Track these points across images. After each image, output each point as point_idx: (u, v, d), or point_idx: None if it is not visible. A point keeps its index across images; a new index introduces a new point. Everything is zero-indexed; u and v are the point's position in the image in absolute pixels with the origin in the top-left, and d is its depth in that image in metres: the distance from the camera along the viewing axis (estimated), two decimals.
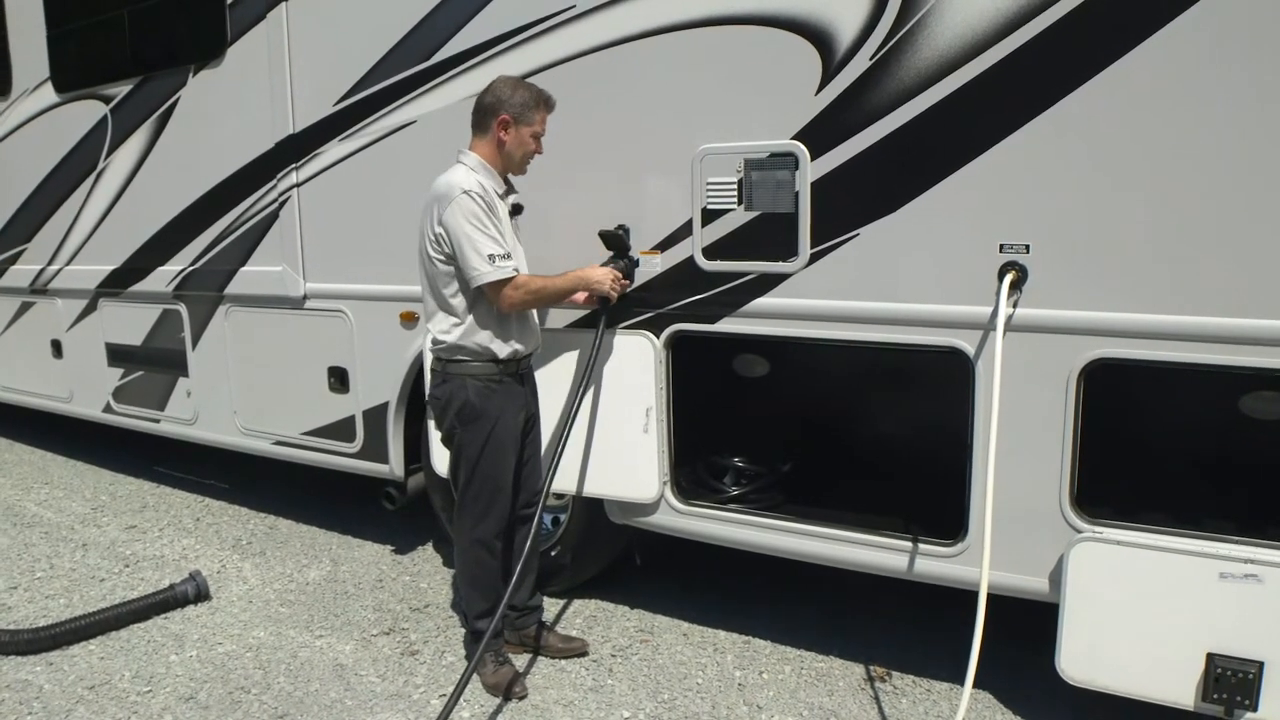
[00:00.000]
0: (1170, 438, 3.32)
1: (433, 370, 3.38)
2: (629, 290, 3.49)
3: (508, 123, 3.20)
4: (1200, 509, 2.94)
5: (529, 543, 3.38)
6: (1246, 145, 2.53)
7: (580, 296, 3.50)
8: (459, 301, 3.21)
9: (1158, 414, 3.29)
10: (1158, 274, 2.68)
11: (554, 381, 3.64)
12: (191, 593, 4.21)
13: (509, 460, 3.34)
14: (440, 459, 3.87)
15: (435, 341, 3.31)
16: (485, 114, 3.23)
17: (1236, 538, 2.70)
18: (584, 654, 3.63)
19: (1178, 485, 3.17)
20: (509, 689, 3.36)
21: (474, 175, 3.19)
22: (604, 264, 3.44)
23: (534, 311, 3.44)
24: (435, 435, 3.99)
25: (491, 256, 3.11)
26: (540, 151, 3.32)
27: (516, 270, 3.19)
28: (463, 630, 3.83)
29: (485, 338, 3.24)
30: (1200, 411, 3.26)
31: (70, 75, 5.52)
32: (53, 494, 5.97)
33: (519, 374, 3.38)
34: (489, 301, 3.19)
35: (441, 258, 3.18)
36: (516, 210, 3.38)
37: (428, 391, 3.54)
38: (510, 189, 3.36)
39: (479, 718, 3.26)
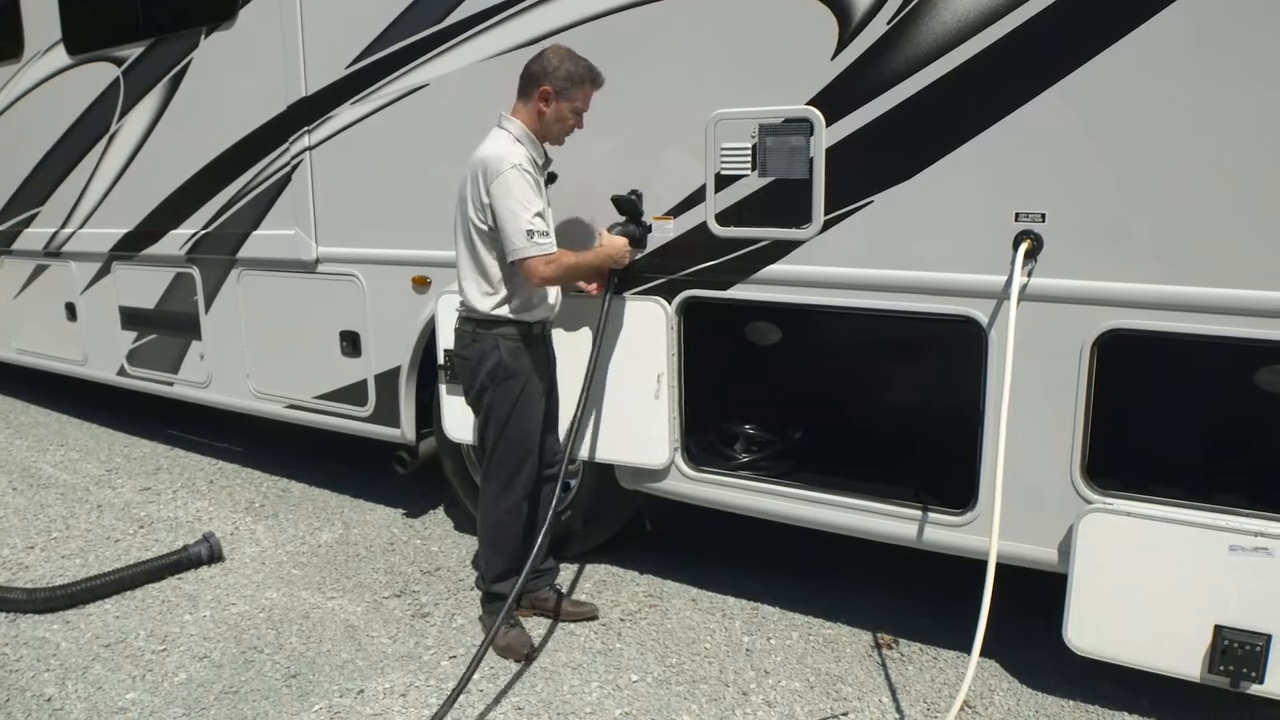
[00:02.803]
0: (1184, 411, 3.30)
1: (460, 331, 3.38)
2: (640, 257, 3.48)
3: (549, 94, 3.16)
4: (1212, 482, 2.92)
5: (550, 507, 3.38)
6: (1267, 114, 2.49)
7: (593, 287, 3.54)
8: (496, 270, 3.23)
9: (1172, 387, 3.26)
10: (1174, 245, 2.65)
11: (567, 347, 3.63)
12: (205, 554, 4.26)
13: (537, 421, 3.40)
14: (463, 424, 3.87)
15: (468, 306, 3.32)
16: (530, 81, 3.19)
17: (1247, 510, 2.69)
18: (594, 618, 3.66)
19: (1190, 458, 3.15)
20: (520, 652, 3.38)
21: (519, 147, 3.18)
22: (612, 227, 3.44)
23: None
24: (448, 400, 4.01)
25: (531, 233, 3.11)
26: (580, 127, 3.28)
27: (555, 248, 3.19)
28: (474, 592, 3.86)
29: (519, 305, 3.28)
30: (1215, 385, 3.23)
31: (82, 37, 5.49)
32: (68, 456, 6.02)
33: (545, 336, 3.43)
34: (523, 274, 3.19)
35: (485, 227, 3.18)
36: (551, 179, 3.39)
37: (452, 351, 3.54)
38: (547, 158, 3.34)
39: (490, 679, 3.29)
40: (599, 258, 3.36)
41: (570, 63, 3.17)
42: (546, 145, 3.30)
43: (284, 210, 4.60)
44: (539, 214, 3.14)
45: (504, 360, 3.28)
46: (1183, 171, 2.61)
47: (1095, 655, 2.89)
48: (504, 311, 3.26)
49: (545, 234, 3.16)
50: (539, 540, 3.28)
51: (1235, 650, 2.65)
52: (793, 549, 4.12)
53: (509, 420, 3.33)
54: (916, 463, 3.53)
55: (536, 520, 3.48)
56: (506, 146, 3.16)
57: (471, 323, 3.33)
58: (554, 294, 3.44)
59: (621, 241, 3.39)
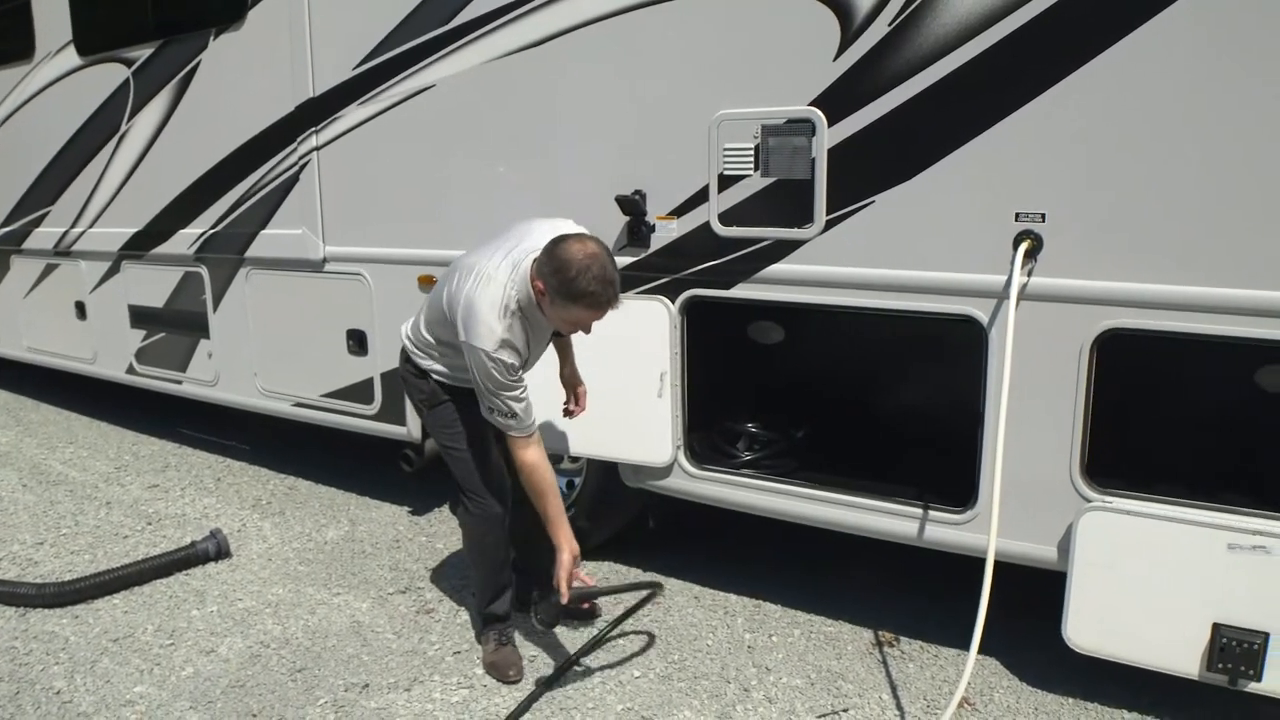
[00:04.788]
0: (1183, 410, 3.32)
1: (404, 352, 3.31)
2: (643, 256, 3.51)
3: (541, 291, 2.86)
4: (1212, 481, 2.94)
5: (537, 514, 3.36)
6: (1264, 113, 2.50)
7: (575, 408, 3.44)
8: (456, 348, 3.04)
9: (1171, 386, 3.28)
10: (1173, 244, 2.66)
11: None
12: (212, 550, 4.29)
13: (487, 439, 3.25)
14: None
15: (419, 350, 3.23)
16: (540, 257, 2.87)
17: (1245, 509, 2.71)
18: (596, 617, 3.67)
19: (1189, 457, 3.17)
20: (506, 672, 3.30)
21: (504, 321, 2.88)
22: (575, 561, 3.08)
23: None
24: None
25: (514, 416, 2.94)
26: (587, 332, 3.00)
27: (529, 430, 3.00)
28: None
29: (446, 360, 3.18)
30: (1215, 384, 3.25)
31: (93, 38, 5.54)
32: (77, 453, 6.07)
33: None
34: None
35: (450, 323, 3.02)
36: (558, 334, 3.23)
37: (397, 368, 3.46)
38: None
39: (489, 681, 3.32)
40: (555, 526, 3.05)
41: (560, 274, 2.77)
42: None
43: (292, 210, 4.64)
44: (515, 396, 2.93)
45: (434, 389, 3.19)
46: (1182, 171, 2.62)
47: (1094, 653, 2.91)
48: (453, 372, 3.17)
49: (513, 414, 2.95)
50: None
51: (1233, 648, 2.66)
52: (795, 547, 4.14)
53: (452, 444, 3.23)
54: (918, 461, 3.54)
55: (521, 537, 3.44)
56: (492, 323, 2.86)
57: (413, 359, 3.26)
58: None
59: (570, 567, 3.05)
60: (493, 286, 2.90)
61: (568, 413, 3.48)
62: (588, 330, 2.99)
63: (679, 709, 3.10)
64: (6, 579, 4.11)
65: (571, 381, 3.46)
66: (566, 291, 2.78)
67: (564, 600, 3.06)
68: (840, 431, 3.84)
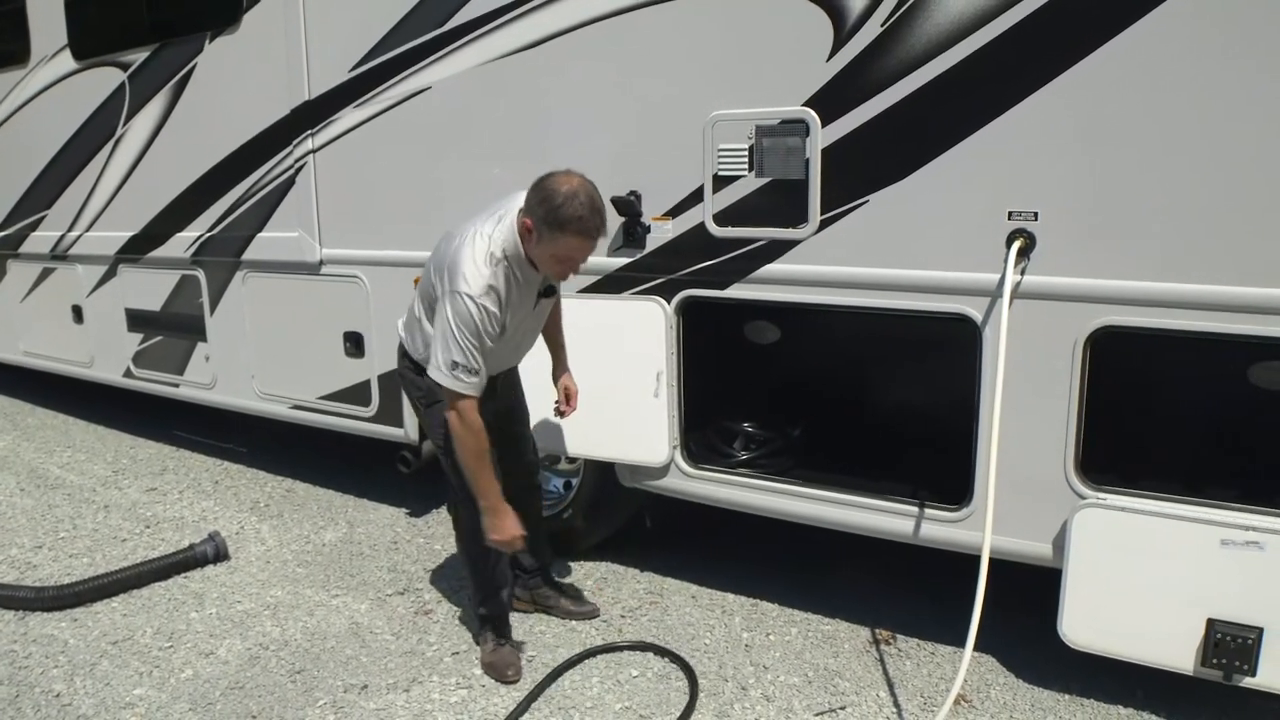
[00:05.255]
0: (1177, 406, 3.33)
1: (400, 348, 3.31)
2: (639, 257, 3.52)
3: (528, 228, 2.85)
4: (1205, 478, 2.95)
5: (531, 514, 3.40)
6: (1257, 110, 2.52)
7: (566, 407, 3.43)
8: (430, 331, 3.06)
9: (1165, 382, 3.29)
10: (1165, 242, 2.68)
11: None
12: (211, 553, 4.30)
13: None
14: None
15: (413, 343, 3.23)
16: (526, 199, 2.90)
17: (1238, 505, 2.72)
18: (594, 617, 3.70)
19: (1183, 454, 3.18)
20: (505, 673, 3.31)
21: (490, 267, 2.87)
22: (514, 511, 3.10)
23: (526, 341, 3.26)
24: None
25: (454, 364, 2.88)
26: (575, 272, 2.99)
27: (473, 390, 2.93)
28: None
29: None
30: (1208, 381, 3.26)
31: (88, 42, 5.54)
32: (75, 457, 6.08)
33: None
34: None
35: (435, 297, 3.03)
36: (548, 292, 3.16)
37: (395, 368, 3.46)
38: (544, 277, 3.06)
39: (488, 681, 3.33)
40: (485, 495, 3.02)
41: (546, 204, 2.77)
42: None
43: (288, 213, 4.65)
44: (469, 350, 2.87)
45: (431, 386, 3.06)
46: (1174, 169, 2.64)
47: (1090, 649, 2.92)
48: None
49: (471, 371, 2.89)
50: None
51: (1228, 643, 2.68)
52: (792, 546, 4.15)
53: (447, 444, 3.14)
54: (913, 459, 3.56)
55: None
56: (475, 263, 2.85)
57: (407, 354, 3.26)
58: (508, 357, 3.23)
59: (514, 527, 3.06)
60: (480, 240, 2.91)
61: (559, 412, 3.48)
62: (575, 269, 2.96)
63: (677, 708, 3.10)
64: (5, 582, 4.11)
65: (563, 381, 3.46)
66: (554, 219, 2.77)
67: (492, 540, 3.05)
68: (836, 430, 3.85)
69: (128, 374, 5.88)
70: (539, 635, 3.57)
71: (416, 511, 4.91)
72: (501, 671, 3.32)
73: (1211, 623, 2.70)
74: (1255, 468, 2.98)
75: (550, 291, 3.18)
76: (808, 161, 3.15)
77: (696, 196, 3.39)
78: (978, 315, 2.95)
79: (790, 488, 3.49)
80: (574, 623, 3.66)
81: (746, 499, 3.58)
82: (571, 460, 4.04)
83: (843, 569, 4.00)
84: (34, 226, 6.24)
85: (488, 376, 3.01)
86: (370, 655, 3.50)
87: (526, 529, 3.19)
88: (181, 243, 5.20)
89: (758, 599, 3.82)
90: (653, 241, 3.52)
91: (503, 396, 3.36)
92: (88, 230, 5.80)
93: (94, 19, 5.52)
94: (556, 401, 3.48)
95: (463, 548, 3.50)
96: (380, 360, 4.45)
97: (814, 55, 3.09)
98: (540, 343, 3.41)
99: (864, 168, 3.08)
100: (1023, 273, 2.86)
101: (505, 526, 3.05)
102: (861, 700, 3.14)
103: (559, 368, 3.47)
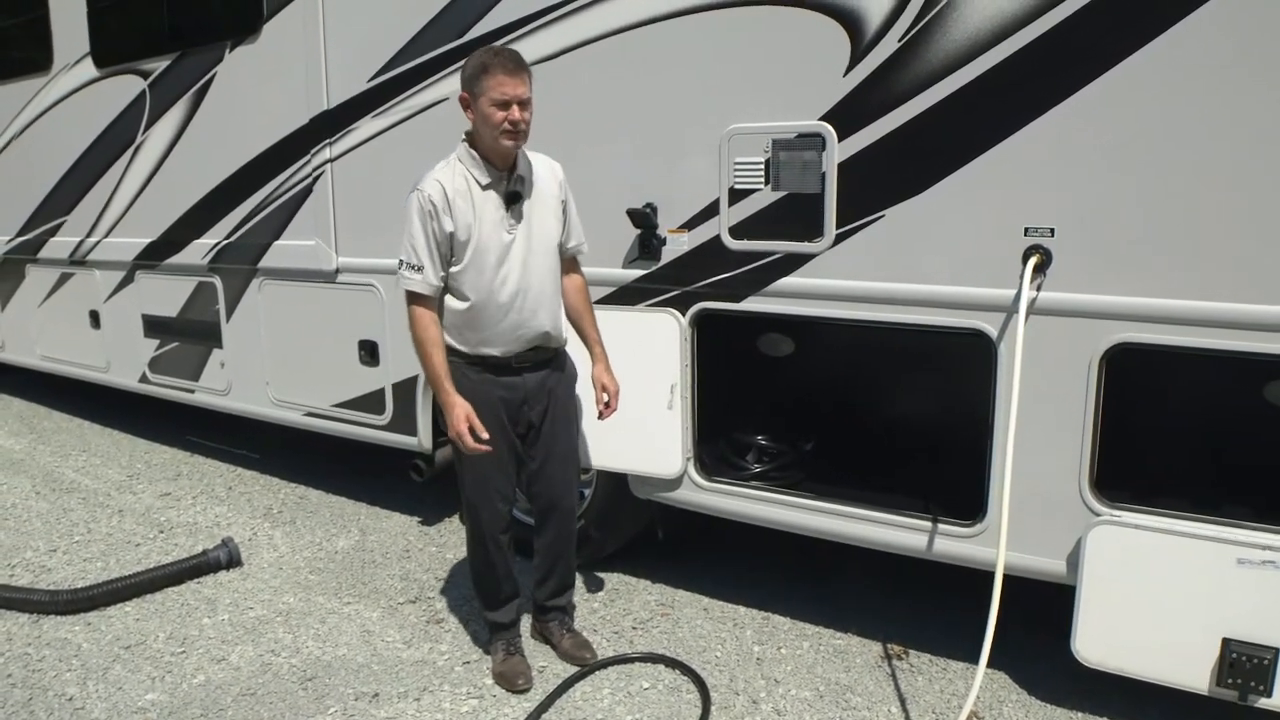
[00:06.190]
0: (1193, 424, 3.32)
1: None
2: (654, 270, 3.53)
3: (466, 100, 3.02)
4: (1221, 496, 2.94)
5: (565, 545, 3.43)
6: (1276, 128, 2.52)
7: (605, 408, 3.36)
8: (455, 308, 3.13)
9: (1181, 400, 3.28)
10: (1182, 259, 2.67)
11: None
12: (224, 559, 4.32)
13: (486, 461, 3.15)
14: None
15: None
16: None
17: (1255, 524, 2.71)
18: (585, 665, 3.45)
19: (1198, 472, 3.17)
20: (515, 682, 3.30)
21: (445, 169, 3.06)
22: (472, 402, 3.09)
23: (535, 310, 3.14)
24: None
25: (401, 261, 3.05)
26: (519, 119, 2.95)
27: (425, 288, 3.03)
28: None
29: (451, 329, 3.13)
30: (1224, 398, 3.25)
31: (110, 51, 5.60)
32: (90, 461, 6.11)
33: (498, 372, 3.17)
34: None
35: None
36: (513, 198, 3.09)
37: None
38: (512, 173, 3.08)
39: (499, 691, 3.33)
40: (437, 384, 3.07)
41: (472, 59, 2.98)
42: (524, 155, 3.12)
43: (305, 221, 4.68)
44: (411, 246, 3.01)
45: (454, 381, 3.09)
46: (1191, 186, 2.63)
47: (1103, 667, 2.90)
48: (447, 326, 3.12)
49: (415, 268, 3.01)
50: (535, 571, 3.29)
51: (1243, 663, 2.66)
52: (804, 559, 4.14)
53: (458, 456, 3.18)
54: (927, 474, 3.55)
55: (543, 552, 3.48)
56: (436, 168, 3.08)
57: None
58: (515, 331, 3.13)
59: (465, 416, 3.03)
60: (437, 165, 3.10)
61: (601, 414, 3.36)
62: (521, 117, 2.95)
63: None
64: (20, 585, 4.14)
65: (603, 381, 3.35)
66: (477, 70, 2.95)
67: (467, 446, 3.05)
68: (849, 444, 3.85)
69: (143, 379, 5.91)
70: (550, 646, 3.57)
71: (429, 520, 4.92)
72: (512, 681, 3.32)
73: (1227, 642, 2.68)
74: (1272, 486, 2.96)
75: (513, 197, 3.08)
76: (824, 175, 3.16)
77: (712, 209, 3.40)
78: (993, 331, 2.95)
79: (803, 501, 3.48)
80: (584, 632, 3.66)
81: (759, 512, 3.58)
82: (585, 471, 4.04)
83: (854, 583, 3.99)
84: (53, 232, 6.29)
85: (490, 321, 3.08)
86: (381, 663, 3.50)
87: (548, 561, 3.36)
88: (199, 250, 5.24)
89: (769, 612, 3.81)
90: (668, 254, 3.53)
91: (527, 414, 3.25)
92: (106, 236, 5.85)
93: (116, 28, 5.58)
94: (597, 402, 3.35)
95: (472, 555, 3.48)
96: (395, 369, 4.47)
97: (831, 70, 3.10)
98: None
99: (880, 182, 3.08)
100: (1039, 289, 2.86)
101: (452, 419, 3.04)
102: (873, 715, 3.12)
103: (597, 365, 3.36)
